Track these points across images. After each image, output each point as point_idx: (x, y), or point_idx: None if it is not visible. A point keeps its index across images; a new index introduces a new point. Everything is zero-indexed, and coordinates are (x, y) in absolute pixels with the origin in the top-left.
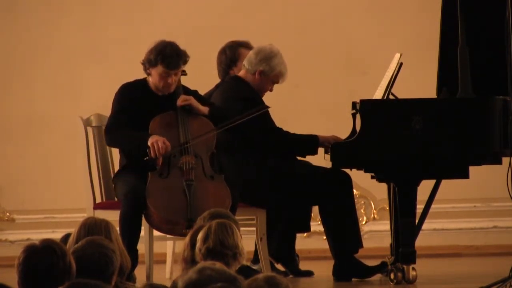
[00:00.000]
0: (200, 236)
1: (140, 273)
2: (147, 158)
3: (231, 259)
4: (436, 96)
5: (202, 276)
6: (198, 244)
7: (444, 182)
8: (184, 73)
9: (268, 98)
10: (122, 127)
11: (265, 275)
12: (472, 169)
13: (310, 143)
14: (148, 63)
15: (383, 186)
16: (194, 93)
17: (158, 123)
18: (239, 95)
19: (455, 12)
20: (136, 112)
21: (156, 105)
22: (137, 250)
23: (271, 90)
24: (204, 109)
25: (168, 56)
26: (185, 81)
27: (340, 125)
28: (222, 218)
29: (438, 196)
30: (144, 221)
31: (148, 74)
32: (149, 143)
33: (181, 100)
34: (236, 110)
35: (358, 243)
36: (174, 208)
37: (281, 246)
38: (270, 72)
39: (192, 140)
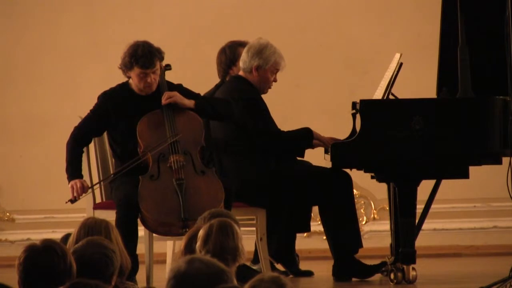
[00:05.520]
0: (200, 237)
1: (140, 273)
2: (67, 201)
3: (231, 262)
4: (436, 96)
5: (190, 267)
6: (198, 244)
7: (444, 182)
8: (168, 67)
9: (268, 98)
10: (85, 139)
11: (271, 275)
12: (472, 169)
13: (304, 135)
14: (125, 67)
15: (383, 186)
16: (179, 87)
17: (145, 124)
18: (240, 96)
19: (455, 12)
20: (124, 116)
21: (142, 106)
22: (137, 255)
23: (275, 81)
24: (190, 103)
25: (141, 56)
26: (184, 80)
27: (340, 125)
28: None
29: (438, 196)
30: None
31: (128, 77)
32: (69, 185)
33: (165, 98)
34: (237, 110)
35: (358, 243)
36: (167, 210)
37: (281, 246)
38: (265, 64)
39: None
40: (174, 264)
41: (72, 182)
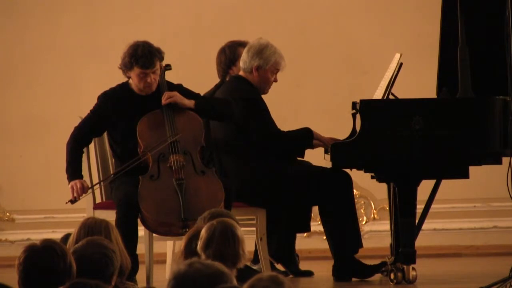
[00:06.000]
0: (202, 239)
1: (140, 273)
2: (67, 202)
3: (230, 266)
4: (436, 96)
5: (190, 269)
6: (199, 245)
7: (444, 182)
8: (168, 67)
9: (268, 98)
10: (85, 139)
11: (269, 274)
12: (472, 169)
13: (304, 135)
14: (125, 67)
15: (383, 186)
16: (178, 87)
17: (145, 124)
18: (240, 96)
19: (455, 12)
20: (124, 116)
21: (142, 106)
22: (137, 255)
23: (275, 81)
24: (190, 103)
25: (140, 56)
26: (184, 80)
27: (340, 125)
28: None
29: (438, 196)
30: None
31: (128, 78)
32: (69, 186)
33: (165, 98)
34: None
35: (358, 243)
36: (167, 210)
37: (281, 246)
38: (265, 64)
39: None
40: (175, 267)
41: (72, 183)
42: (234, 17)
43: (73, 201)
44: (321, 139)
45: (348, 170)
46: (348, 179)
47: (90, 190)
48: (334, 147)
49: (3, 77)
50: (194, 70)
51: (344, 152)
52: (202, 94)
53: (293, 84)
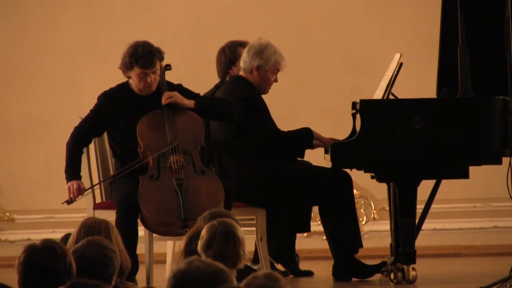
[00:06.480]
0: (203, 239)
1: (140, 273)
2: (63, 202)
3: (231, 267)
4: (436, 96)
5: (190, 267)
6: (200, 245)
7: (444, 182)
8: (168, 67)
9: (269, 98)
10: (85, 139)
11: (264, 272)
12: (472, 169)
13: (304, 135)
14: (125, 67)
15: (383, 186)
16: (178, 87)
17: (145, 124)
18: (240, 96)
19: (455, 12)
20: (124, 116)
21: (142, 106)
22: (136, 255)
23: (276, 81)
24: (190, 103)
25: (140, 56)
26: (184, 80)
27: (340, 125)
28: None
29: (438, 196)
30: None
31: (128, 78)
32: (66, 186)
33: (165, 98)
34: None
35: (358, 243)
36: (167, 210)
37: (281, 246)
38: (266, 64)
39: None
40: (173, 267)
41: (69, 184)
42: (234, 17)
43: (69, 202)
44: (321, 139)
45: (348, 170)
46: (348, 179)
47: (86, 192)
48: (334, 147)
49: (3, 77)
50: (194, 70)
51: (344, 152)
52: (202, 94)
53: (293, 84)
